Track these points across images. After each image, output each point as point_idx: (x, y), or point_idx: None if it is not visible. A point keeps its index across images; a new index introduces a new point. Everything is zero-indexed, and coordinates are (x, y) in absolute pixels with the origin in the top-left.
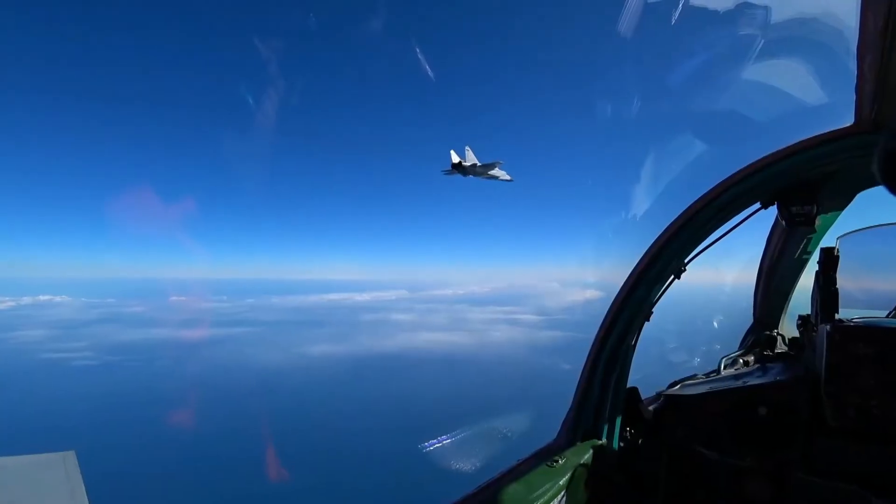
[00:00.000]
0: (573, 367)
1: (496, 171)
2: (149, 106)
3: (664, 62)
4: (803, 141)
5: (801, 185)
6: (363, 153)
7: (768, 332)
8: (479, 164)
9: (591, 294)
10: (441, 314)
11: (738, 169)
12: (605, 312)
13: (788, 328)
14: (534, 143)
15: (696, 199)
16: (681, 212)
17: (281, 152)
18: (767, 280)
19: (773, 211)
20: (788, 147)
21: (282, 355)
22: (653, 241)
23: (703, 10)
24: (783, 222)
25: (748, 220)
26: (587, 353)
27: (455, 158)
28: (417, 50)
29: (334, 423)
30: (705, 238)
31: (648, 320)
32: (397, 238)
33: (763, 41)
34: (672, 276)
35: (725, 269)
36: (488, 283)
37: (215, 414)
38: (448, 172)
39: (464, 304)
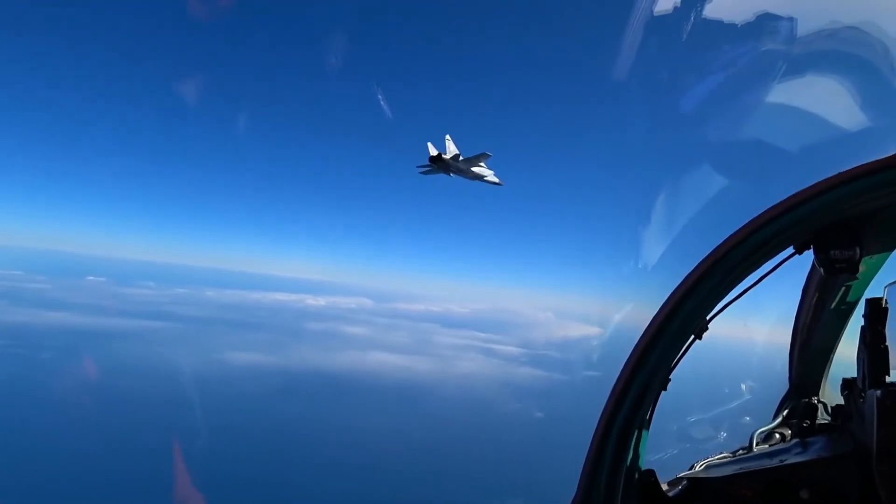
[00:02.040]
0: (547, 417)
1: (483, 170)
2: (80, 56)
3: (675, 84)
4: (842, 173)
5: (841, 226)
6: (338, 137)
7: (807, 400)
8: (461, 157)
9: (588, 331)
10: (405, 332)
11: (765, 208)
12: (614, 382)
13: (831, 395)
14: (529, 166)
15: (717, 244)
16: (700, 260)
17: (245, 124)
18: (804, 338)
19: (808, 256)
20: (824, 181)
21: (199, 360)
22: (667, 295)
23: (718, 24)
24: (821, 269)
25: (780, 267)
26: (594, 430)
27: (433, 151)
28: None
29: (245, 449)
30: (730, 290)
31: (665, 389)
32: (369, 238)
33: (789, 57)
34: (692, 337)
35: (755, 325)
36: (469, 303)
37: (103, 423)
38: (425, 170)
39: (434, 323)
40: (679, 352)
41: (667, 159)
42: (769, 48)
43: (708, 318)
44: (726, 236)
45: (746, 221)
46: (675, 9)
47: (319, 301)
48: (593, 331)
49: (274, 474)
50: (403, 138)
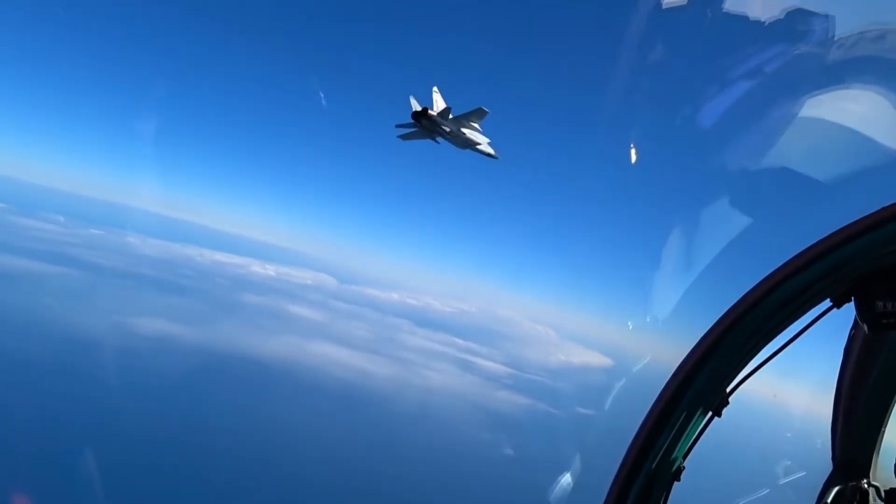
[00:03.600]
0: (518, 457)
1: (477, 136)
2: None
3: (687, 95)
4: (888, 208)
5: (888, 272)
6: (314, 68)
7: (855, 483)
8: (451, 114)
9: (594, 359)
10: (366, 324)
11: (797, 251)
12: (615, 473)
13: (883, 475)
14: (534, 151)
15: (740, 296)
16: (720, 315)
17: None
18: (849, 407)
19: (849, 310)
20: (867, 217)
21: (100, 322)
22: (682, 359)
23: (740, 21)
24: (864, 325)
25: (815, 324)
26: None
27: (417, 106)
28: None
29: (143, 438)
30: (755, 353)
31: (678, 480)
32: (343, 202)
33: (825, 64)
34: (709, 415)
35: (788, 392)
36: (454, 301)
37: None
38: (406, 134)
39: (406, 319)
40: (694, 433)
41: (677, 190)
42: (801, 52)
43: (729, 389)
44: (752, 286)
45: (775, 268)
46: (689, 1)
47: (268, 269)
48: (600, 360)
49: (171, 469)
50: (390, 84)
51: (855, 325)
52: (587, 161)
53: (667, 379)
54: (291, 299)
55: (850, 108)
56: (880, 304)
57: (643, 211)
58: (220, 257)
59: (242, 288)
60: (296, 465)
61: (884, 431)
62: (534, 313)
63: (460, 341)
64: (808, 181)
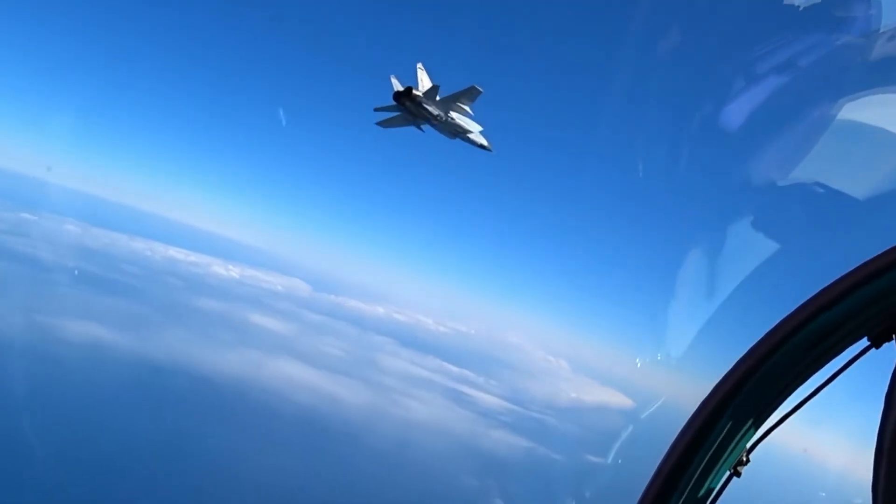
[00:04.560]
0: None
1: (467, 122)
2: None
3: (704, 95)
4: None
5: None
6: (295, 42)
7: None
8: (439, 95)
9: (611, 397)
10: (342, 341)
11: (830, 281)
12: None
13: None
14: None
15: (764, 333)
16: (741, 355)
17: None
18: (893, 463)
19: (891, 350)
20: None
21: (17, 322)
22: (695, 408)
23: (768, 3)
24: None
25: (852, 365)
26: None
27: (398, 86)
28: None
29: (67, 460)
30: (782, 399)
31: None
32: (325, 197)
33: (867, 59)
34: (727, 474)
35: (820, 446)
36: (450, 320)
37: None
38: (387, 120)
39: (390, 337)
40: (710, 496)
41: (692, 210)
42: (841, 44)
43: (750, 444)
44: (777, 321)
45: (803, 301)
46: None
47: (231, 271)
48: (618, 400)
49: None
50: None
51: None
52: (593, 163)
53: (678, 430)
54: (255, 307)
55: (891, 114)
56: None
57: (656, 228)
58: (175, 253)
59: (198, 291)
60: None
61: None
62: (545, 341)
63: (453, 368)
64: (844, 198)
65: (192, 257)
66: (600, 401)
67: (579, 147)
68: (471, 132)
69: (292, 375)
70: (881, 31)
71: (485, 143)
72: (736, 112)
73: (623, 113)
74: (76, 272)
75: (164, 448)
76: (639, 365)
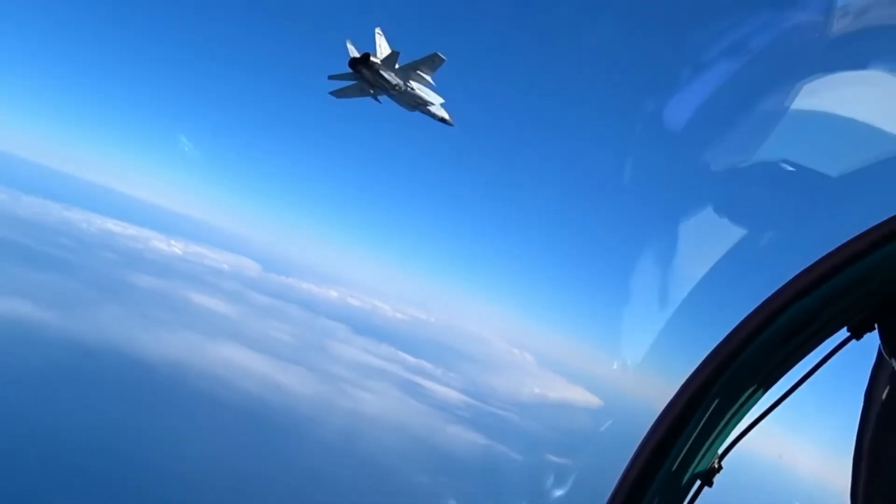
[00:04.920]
0: None
1: (428, 94)
2: None
3: (657, 81)
4: None
5: None
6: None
7: None
8: (398, 63)
9: (578, 395)
10: (291, 326)
11: (802, 268)
12: None
13: None
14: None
15: (732, 328)
16: (706, 355)
17: None
18: (872, 468)
19: (872, 341)
20: (888, 223)
21: None
22: (657, 415)
23: None
24: (891, 360)
25: (830, 360)
26: None
27: (355, 52)
28: None
29: None
30: (754, 400)
31: None
32: (277, 173)
33: (828, 38)
34: (697, 484)
35: (797, 446)
36: (407, 306)
37: None
38: (342, 89)
39: (343, 323)
40: None
41: (647, 199)
42: (797, 22)
43: (721, 450)
44: (746, 315)
45: (774, 291)
46: None
47: (174, 246)
48: (585, 398)
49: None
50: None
51: (879, 361)
52: (556, 149)
53: (643, 436)
54: (198, 286)
55: (860, 93)
56: None
57: (622, 217)
58: (113, 226)
59: (136, 266)
60: (174, 499)
61: None
62: (510, 332)
63: (409, 358)
64: (811, 178)
65: (131, 230)
66: (566, 398)
67: (547, 129)
68: (431, 104)
69: (236, 361)
70: (839, 5)
71: (446, 116)
72: (692, 96)
73: (576, 103)
74: (2, 243)
75: (93, 438)
76: (615, 367)
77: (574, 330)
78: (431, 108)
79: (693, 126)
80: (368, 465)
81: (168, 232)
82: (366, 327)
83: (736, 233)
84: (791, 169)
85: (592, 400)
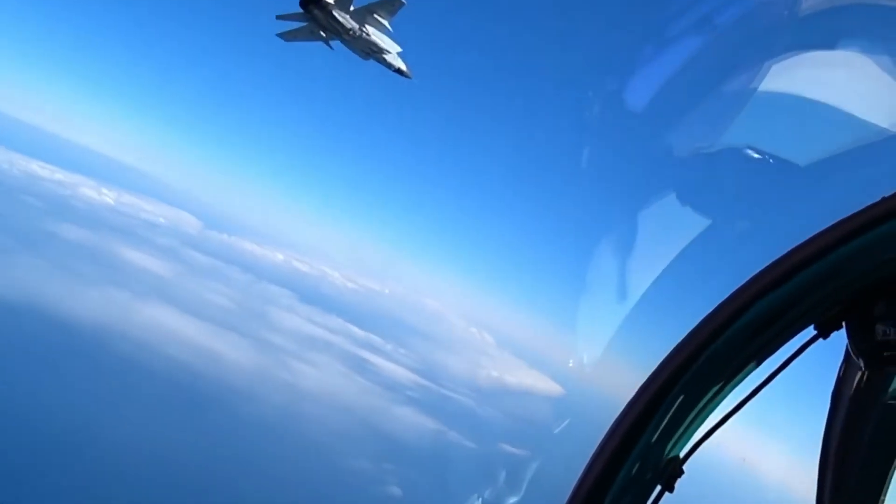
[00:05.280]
0: (405, 499)
1: (384, 41)
2: None
3: (613, 57)
4: (887, 199)
5: (891, 286)
6: None
7: None
8: (353, 4)
9: (539, 382)
10: (230, 289)
11: (768, 262)
12: None
13: None
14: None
15: (692, 327)
16: (666, 354)
17: None
18: (839, 472)
19: (839, 339)
20: (860, 214)
21: None
22: (617, 414)
23: None
24: (859, 360)
25: (796, 359)
26: None
27: None
28: None
29: None
30: (717, 401)
31: None
32: (223, 121)
33: (798, 14)
34: (657, 489)
35: (761, 449)
36: (360, 275)
37: None
38: (291, 31)
39: (288, 289)
40: None
41: (604, 186)
42: None
43: (683, 453)
44: (707, 313)
45: (737, 288)
46: None
47: (105, 195)
48: (547, 386)
49: None
50: None
51: (847, 361)
52: (509, 118)
53: (602, 436)
54: (130, 240)
55: (830, 74)
56: (881, 330)
57: (574, 201)
58: (39, 168)
59: (62, 215)
60: (88, 471)
61: (883, 499)
62: (470, 309)
63: (358, 331)
64: (777, 168)
65: (59, 174)
66: (526, 384)
67: (504, 99)
68: (388, 53)
69: (166, 325)
70: None
71: (403, 67)
72: (651, 76)
73: (533, 76)
74: None
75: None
76: (571, 364)
77: (539, 312)
78: (387, 57)
79: (655, 107)
80: (305, 445)
81: (100, 178)
82: (312, 295)
83: (699, 223)
84: (758, 156)
85: (554, 388)
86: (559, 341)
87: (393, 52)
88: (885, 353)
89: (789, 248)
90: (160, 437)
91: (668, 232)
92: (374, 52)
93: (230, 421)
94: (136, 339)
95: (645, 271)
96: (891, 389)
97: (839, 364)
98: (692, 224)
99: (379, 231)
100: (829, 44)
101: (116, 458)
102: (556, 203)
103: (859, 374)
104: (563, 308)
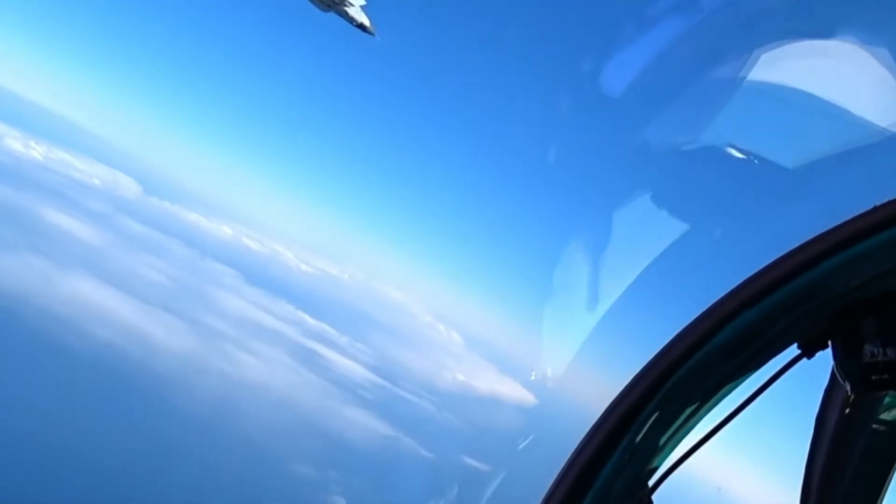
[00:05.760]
0: None
1: None
2: None
3: (587, 41)
4: (883, 208)
5: (880, 302)
6: None
7: None
8: None
9: (509, 389)
10: (168, 263)
11: (749, 275)
12: None
13: None
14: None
15: (667, 341)
16: (639, 370)
17: None
18: (824, 496)
19: (824, 359)
20: (850, 223)
21: None
22: (582, 437)
23: None
24: (845, 382)
25: (778, 380)
26: None
27: None
28: None
29: None
30: (690, 425)
31: None
32: (173, 76)
33: (785, 3)
34: None
35: (739, 477)
36: (317, 257)
37: None
38: None
39: (233, 269)
40: None
41: (573, 183)
42: None
43: (652, 482)
44: (683, 326)
45: (716, 300)
46: None
47: (34, 149)
48: (517, 394)
49: None
50: None
51: (832, 383)
52: (477, 101)
53: (567, 458)
54: (57, 202)
55: (824, 66)
56: (869, 350)
57: (543, 195)
58: None
59: None
60: None
61: None
62: (438, 304)
63: (310, 319)
64: (763, 169)
65: None
66: (494, 391)
67: (472, 80)
68: (350, 5)
69: (91, 300)
70: None
71: (366, 21)
72: (630, 61)
73: (502, 57)
74: None
75: None
76: (543, 377)
77: (515, 313)
78: (349, 10)
79: (631, 94)
80: (242, 445)
81: (28, 129)
82: (261, 277)
83: (676, 227)
84: (741, 156)
85: (525, 397)
86: (535, 346)
87: (356, 4)
88: (873, 376)
89: (772, 259)
90: (75, 426)
91: (642, 235)
92: (335, 4)
93: (157, 413)
94: (55, 314)
95: (618, 276)
96: (878, 414)
97: (824, 386)
98: (668, 228)
99: (341, 209)
100: (824, 32)
101: (22, 450)
102: (530, 195)
103: (845, 396)
104: (541, 310)
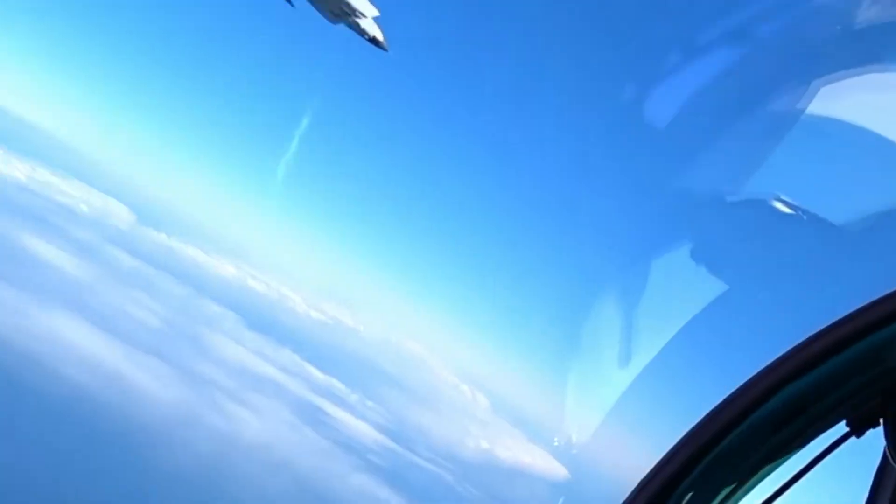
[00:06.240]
0: None
1: (360, 1)
2: None
3: (625, 73)
4: None
5: None
6: None
7: None
8: None
9: (538, 459)
10: (160, 304)
11: (795, 343)
12: None
13: None
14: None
15: (704, 414)
16: (673, 445)
17: None
18: None
19: (876, 438)
20: None
21: None
22: None
23: None
24: None
25: (825, 459)
26: None
27: None
28: None
29: None
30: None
31: None
32: (171, 98)
33: (852, 27)
34: None
35: None
36: (328, 303)
37: None
38: None
39: (234, 312)
40: None
41: (607, 233)
42: (815, 6)
43: None
44: (723, 397)
45: (759, 371)
46: None
47: (18, 168)
48: (547, 465)
49: None
50: None
51: (884, 465)
52: (503, 126)
53: None
54: (40, 228)
55: (890, 103)
56: None
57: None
58: None
59: None
60: None
61: None
62: (462, 361)
63: (317, 372)
64: (819, 223)
65: None
66: (522, 461)
67: (499, 104)
68: (362, 16)
69: (69, 338)
70: None
71: (379, 35)
72: (669, 99)
73: (537, 79)
74: None
75: None
76: (567, 444)
77: (549, 375)
78: (361, 22)
79: (670, 139)
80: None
81: (11, 147)
82: (265, 322)
83: (716, 286)
84: (789, 211)
85: (557, 469)
86: (565, 409)
87: (369, 15)
88: None
89: (821, 326)
90: (42, 478)
91: (681, 291)
92: (346, 14)
93: (137, 472)
94: (26, 352)
95: (652, 335)
96: None
97: (875, 468)
98: (709, 285)
99: (358, 251)
100: (887, 60)
101: None
102: (560, 236)
103: None
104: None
